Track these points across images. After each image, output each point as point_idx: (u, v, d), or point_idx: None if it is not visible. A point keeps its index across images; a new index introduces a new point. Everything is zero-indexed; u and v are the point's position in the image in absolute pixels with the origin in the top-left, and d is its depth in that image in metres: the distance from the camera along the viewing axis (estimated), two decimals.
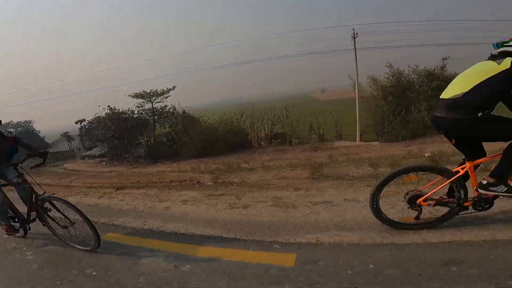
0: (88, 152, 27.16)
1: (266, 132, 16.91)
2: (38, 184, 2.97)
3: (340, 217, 2.83)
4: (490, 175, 2.34)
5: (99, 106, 18.41)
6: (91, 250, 2.71)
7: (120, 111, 20.49)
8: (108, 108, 18.18)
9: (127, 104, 23.13)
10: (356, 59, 17.50)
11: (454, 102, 2.29)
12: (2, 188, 3.10)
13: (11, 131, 3.44)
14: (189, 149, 16.94)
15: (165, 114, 23.51)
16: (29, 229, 3.19)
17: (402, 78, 17.04)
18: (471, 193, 2.38)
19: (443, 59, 17.58)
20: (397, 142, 13.85)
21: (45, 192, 2.92)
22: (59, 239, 2.95)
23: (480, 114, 2.25)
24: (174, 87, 24.03)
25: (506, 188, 2.29)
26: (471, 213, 2.41)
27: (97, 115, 18.72)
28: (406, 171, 2.49)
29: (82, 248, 2.78)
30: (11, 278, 2.45)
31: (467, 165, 2.40)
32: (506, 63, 2.22)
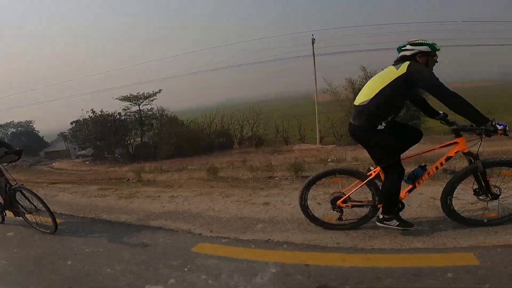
0: (82, 152, 28.82)
1: (236, 134, 18.03)
2: (12, 178, 3.53)
3: (140, 207, 3.89)
4: (382, 212, 2.48)
5: (82, 109, 19.84)
6: (50, 232, 3.23)
7: (107, 113, 21.98)
8: (91, 111, 19.59)
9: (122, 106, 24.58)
10: (314, 63, 18.28)
11: (362, 109, 2.38)
12: None
13: None
14: (164, 150, 18.23)
15: (150, 117, 24.95)
16: (5, 215, 3.70)
17: None
18: None
19: None
20: (351, 145, 14.69)
21: (16, 183, 3.46)
22: (26, 222, 3.47)
23: (382, 124, 2.36)
24: (160, 90, 25.36)
25: (398, 223, 2.44)
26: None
27: (82, 118, 20.14)
28: (328, 173, 2.66)
29: (43, 230, 3.29)
30: None
31: (378, 168, 2.51)
32: (403, 67, 2.27)
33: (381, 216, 2.48)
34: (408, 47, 2.34)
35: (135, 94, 24.46)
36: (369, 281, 1.89)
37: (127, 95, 24.44)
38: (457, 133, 2.36)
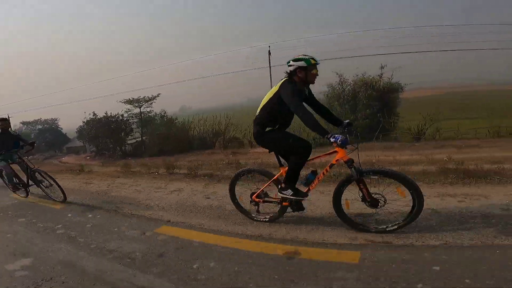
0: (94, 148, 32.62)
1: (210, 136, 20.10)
2: (30, 162, 4.89)
3: None
4: (283, 181, 2.76)
5: (84, 112, 23.04)
6: (61, 201, 4.58)
7: (110, 115, 25.08)
8: (93, 114, 22.75)
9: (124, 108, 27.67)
10: (270, 74, 19.54)
11: (254, 119, 2.75)
12: (10, 165, 4.98)
13: (15, 131, 5.70)
14: (150, 149, 20.86)
15: (151, 118, 27.69)
16: (29, 191, 5.10)
17: (348, 87, 18.65)
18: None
19: (381, 67, 18.45)
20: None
21: (34, 166, 4.77)
22: (45, 194, 4.77)
23: (267, 129, 2.69)
24: (158, 94, 27.97)
25: (292, 192, 2.70)
26: (291, 212, 2.87)
27: (85, 119, 23.39)
28: (245, 172, 3.11)
29: (57, 199, 4.62)
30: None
31: (281, 170, 2.81)
32: (278, 85, 2.55)
33: (280, 186, 2.80)
34: (291, 63, 2.58)
35: (136, 97, 27.58)
36: None
37: (129, 98, 27.50)
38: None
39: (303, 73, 2.55)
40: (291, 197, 2.73)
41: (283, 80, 2.61)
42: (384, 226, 2.55)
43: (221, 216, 3.40)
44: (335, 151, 2.57)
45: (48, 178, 4.67)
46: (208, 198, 4.26)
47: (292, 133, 2.81)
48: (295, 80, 2.61)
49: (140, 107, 27.73)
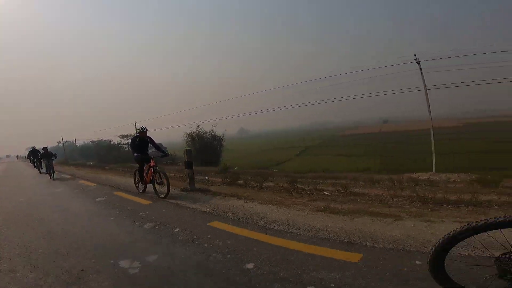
0: None
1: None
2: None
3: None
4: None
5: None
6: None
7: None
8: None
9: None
10: None
11: None
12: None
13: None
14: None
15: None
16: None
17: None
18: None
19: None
20: None
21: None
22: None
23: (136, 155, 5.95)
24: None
25: (144, 187, 6.10)
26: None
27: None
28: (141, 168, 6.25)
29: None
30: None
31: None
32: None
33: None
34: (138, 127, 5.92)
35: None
36: None
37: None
38: (150, 158, 5.74)
39: (143, 133, 5.94)
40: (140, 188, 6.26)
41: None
42: (162, 195, 5.50)
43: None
44: (151, 163, 5.78)
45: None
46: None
47: (139, 160, 5.92)
48: (138, 135, 5.94)
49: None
